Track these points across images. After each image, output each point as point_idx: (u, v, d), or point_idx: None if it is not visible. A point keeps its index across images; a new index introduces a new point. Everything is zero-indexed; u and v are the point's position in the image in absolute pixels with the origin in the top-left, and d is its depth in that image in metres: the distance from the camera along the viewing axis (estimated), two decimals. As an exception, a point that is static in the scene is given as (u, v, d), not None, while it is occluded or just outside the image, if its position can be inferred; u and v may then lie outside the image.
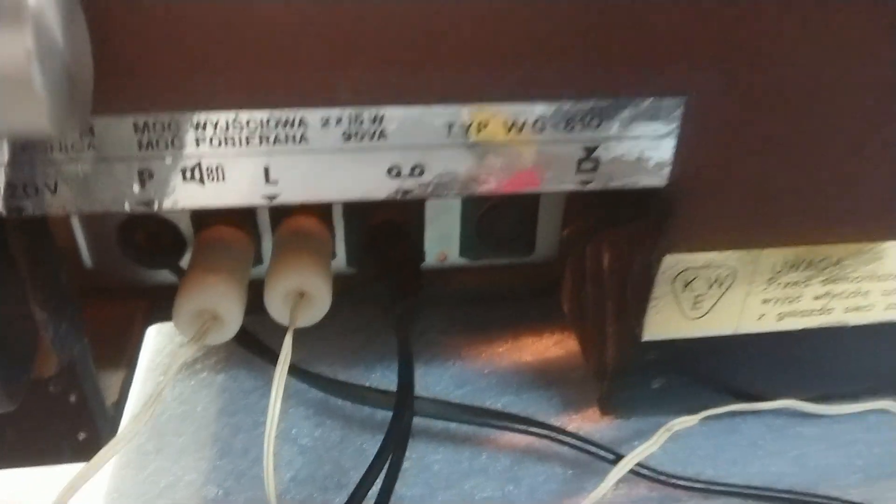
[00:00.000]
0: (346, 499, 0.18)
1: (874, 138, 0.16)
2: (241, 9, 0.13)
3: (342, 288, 0.23)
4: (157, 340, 0.26)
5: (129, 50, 0.13)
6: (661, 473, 0.21)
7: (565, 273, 0.25)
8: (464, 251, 0.26)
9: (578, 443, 0.21)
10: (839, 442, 0.24)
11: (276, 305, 0.21)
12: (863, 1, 0.14)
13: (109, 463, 0.17)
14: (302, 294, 0.21)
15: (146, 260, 0.24)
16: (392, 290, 0.24)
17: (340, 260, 0.25)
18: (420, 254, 0.25)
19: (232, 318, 0.21)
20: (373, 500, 0.19)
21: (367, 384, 0.24)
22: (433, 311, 0.28)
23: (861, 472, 0.23)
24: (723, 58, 0.15)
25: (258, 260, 0.24)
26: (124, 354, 0.23)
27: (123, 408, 0.22)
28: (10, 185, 0.14)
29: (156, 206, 0.15)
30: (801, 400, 0.23)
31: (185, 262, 0.23)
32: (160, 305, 0.24)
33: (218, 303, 0.20)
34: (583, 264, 0.23)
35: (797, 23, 0.14)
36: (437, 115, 0.15)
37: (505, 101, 0.15)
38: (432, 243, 0.26)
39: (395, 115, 0.15)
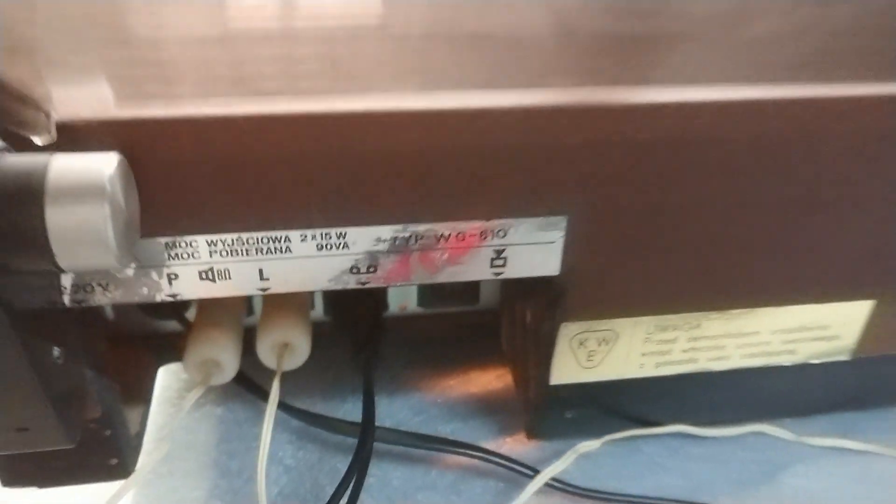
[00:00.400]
0: (321, 510, 0.24)
1: (725, 237, 0.23)
2: (243, 167, 0.19)
3: (319, 332, 0.29)
4: (166, 378, 0.32)
5: (164, 195, 0.19)
6: (570, 486, 0.27)
7: (503, 320, 0.32)
8: (421, 302, 0.32)
9: (507, 462, 0.27)
10: (720, 459, 0.30)
11: (266, 354, 0.27)
12: (697, 147, 0.21)
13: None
14: (286, 345, 0.27)
15: (157, 313, 0.29)
16: (359, 337, 0.30)
17: (318, 310, 0.31)
18: (383, 306, 0.32)
19: (231, 364, 0.26)
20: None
21: (340, 415, 0.30)
22: (397, 350, 0.34)
23: (735, 483, 0.29)
24: (592, 187, 0.21)
25: (250, 311, 0.30)
26: (142, 392, 0.29)
27: (143, 436, 0.27)
28: (75, 286, 0.20)
29: (180, 298, 0.21)
30: (691, 425, 0.30)
31: (189, 313, 0.29)
32: (169, 349, 0.30)
33: (219, 354, 0.26)
34: (514, 316, 0.29)
35: (653, 160, 0.20)
36: (385, 231, 0.21)
37: (435, 221, 0.21)
38: (395, 297, 0.32)
39: (354, 232, 0.21)
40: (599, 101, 0.20)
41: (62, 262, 0.16)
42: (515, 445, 0.30)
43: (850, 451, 0.30)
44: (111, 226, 0.16)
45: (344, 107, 0.18)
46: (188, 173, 0.18)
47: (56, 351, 0.20)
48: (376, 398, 0.28)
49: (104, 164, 0.16)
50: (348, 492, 0.24)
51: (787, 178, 0.22)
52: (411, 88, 0.21)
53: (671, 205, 0.21)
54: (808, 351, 0.26)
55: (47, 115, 0.17)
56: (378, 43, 0.24)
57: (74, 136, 0.17)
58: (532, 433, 0.29)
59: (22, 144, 0.17)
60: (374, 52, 0.23)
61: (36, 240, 0.16)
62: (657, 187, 0.21)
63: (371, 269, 0.21)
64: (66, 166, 0.16)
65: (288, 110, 0.18)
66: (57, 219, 0.16)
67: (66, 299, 0.20)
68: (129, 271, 0.20)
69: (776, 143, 0.21)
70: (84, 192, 0.16)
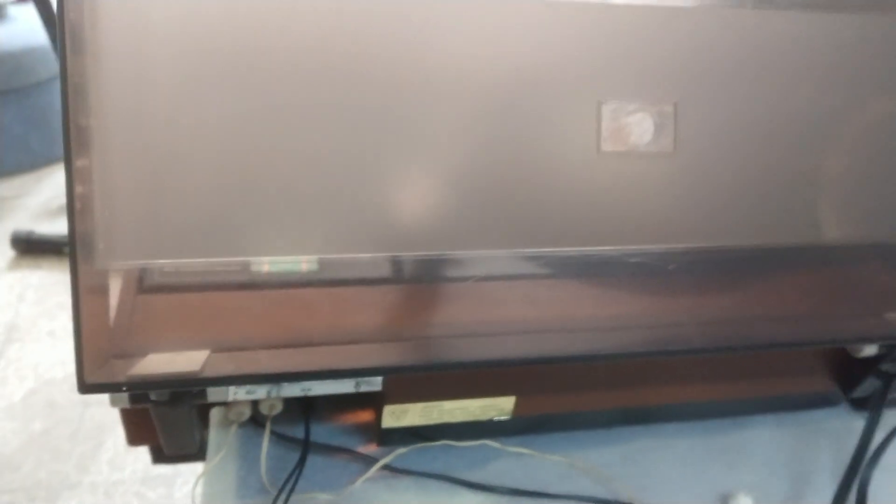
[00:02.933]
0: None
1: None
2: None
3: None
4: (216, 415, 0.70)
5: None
6: (392, 468, 0.67)
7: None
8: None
9: (365, 455, 0.67)
10: (455, 453, 0.70)
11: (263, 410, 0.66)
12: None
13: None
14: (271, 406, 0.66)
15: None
16: (304, 404, 0.69)
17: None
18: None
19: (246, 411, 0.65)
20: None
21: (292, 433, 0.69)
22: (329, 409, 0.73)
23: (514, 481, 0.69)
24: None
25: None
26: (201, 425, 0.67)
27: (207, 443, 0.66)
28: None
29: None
30: (495, 440, 0.70)
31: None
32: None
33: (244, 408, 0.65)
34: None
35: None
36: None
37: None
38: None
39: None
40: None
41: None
42: (371, 448, 0.69)
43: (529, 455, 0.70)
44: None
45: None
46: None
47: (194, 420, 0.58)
48: (315, 427, 0.67)
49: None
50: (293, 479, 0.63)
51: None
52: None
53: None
54: (490, 414, 0.66)
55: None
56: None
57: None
58: (379, 443, 0.68)
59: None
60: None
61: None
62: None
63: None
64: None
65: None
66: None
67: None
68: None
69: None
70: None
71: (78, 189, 0.44)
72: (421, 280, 0.52)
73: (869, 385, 0.69)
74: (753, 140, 0.45)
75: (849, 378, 0.69)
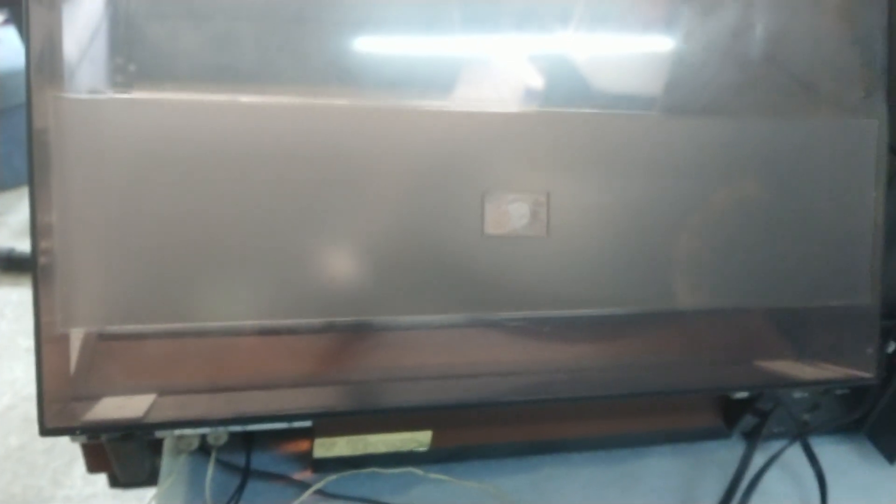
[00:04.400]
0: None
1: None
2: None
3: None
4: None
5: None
6: (324, 492, 0.76)
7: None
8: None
9: (301, 481, 0.76)
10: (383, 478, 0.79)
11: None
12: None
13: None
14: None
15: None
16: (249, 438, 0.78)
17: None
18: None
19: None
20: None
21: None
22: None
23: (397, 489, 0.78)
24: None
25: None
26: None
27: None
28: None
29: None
30: (418, 468, 0.79)
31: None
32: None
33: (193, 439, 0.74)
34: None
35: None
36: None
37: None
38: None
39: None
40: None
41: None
42: (306, 475, 0.78)
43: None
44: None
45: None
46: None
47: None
48: (257, 456, 0.76)
49: None
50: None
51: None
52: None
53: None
54: (410, 446, 0.75)
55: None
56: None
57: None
58: (313, 471, 0.78)
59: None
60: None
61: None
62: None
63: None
64: None
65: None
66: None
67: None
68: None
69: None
70: None
71: (41, 261, 0.53)
72: (344, 332, 0.61)
73: (749, 421, 0.79)
74: (614, 223, 0.55)
75: (731, 415, 0.79)
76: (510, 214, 0.51)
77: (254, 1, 0.53)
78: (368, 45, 0.52)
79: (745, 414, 0.76)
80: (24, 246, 2.28)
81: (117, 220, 0.52)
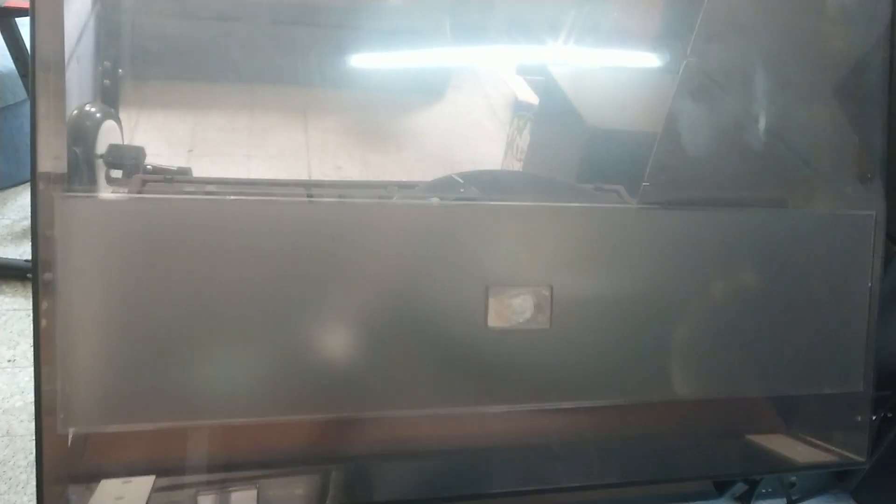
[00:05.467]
0: None
1: None
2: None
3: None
4: None
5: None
6: None
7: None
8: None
9: None
10: None
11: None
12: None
13: None
14: None
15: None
16: None
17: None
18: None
19: None
20: None
21: None
22: None
23: None
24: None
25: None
26: None
27: None
28: None
29: None
30: None
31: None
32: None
33: None
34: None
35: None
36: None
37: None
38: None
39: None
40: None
41: None
42: None
43: None
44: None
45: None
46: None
47: None
48: None
49: None
50: None
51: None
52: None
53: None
54: None
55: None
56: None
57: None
58: None
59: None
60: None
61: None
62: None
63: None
64: None
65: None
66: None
67: None
68: None
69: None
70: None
71: (43, 360, 0.53)
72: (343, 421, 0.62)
73: (739, 487, 0.81)
74: (618, 314, 0.55)
75: (724, 482, 0.81)
76: (514, 307, 0.51)
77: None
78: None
79: (736, 482, 0.77)
80: (7, 252, 2.25)
81: (117, 321, 0.51)
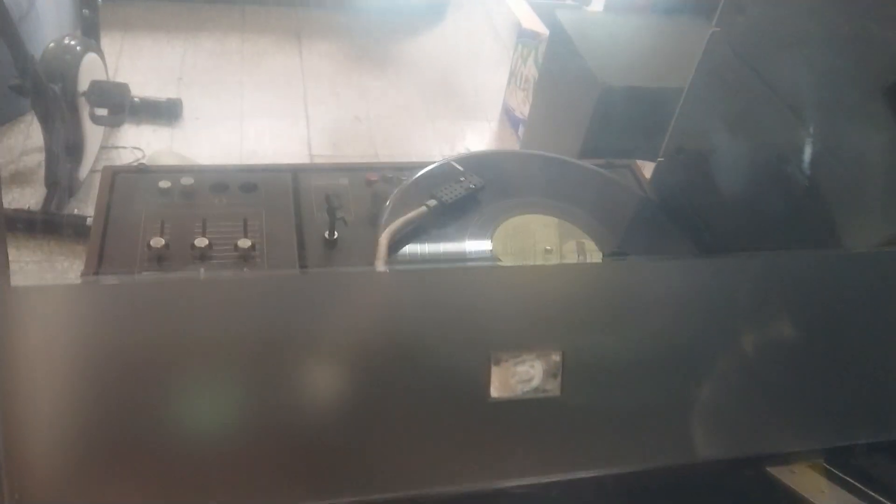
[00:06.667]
0: None
1: None
2: None
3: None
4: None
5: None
6: None
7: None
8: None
9: None
10: None
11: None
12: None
13: None
14: None
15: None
16: None
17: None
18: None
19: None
20: None
21: None
22: None
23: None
24: None
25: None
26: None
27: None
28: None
29: None
30: None
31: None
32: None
33: None
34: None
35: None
36: None
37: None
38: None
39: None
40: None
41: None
42: None
43: None
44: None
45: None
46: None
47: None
48: None
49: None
50: None
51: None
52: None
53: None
54: None
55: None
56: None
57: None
58: None
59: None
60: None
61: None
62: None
63: None
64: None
65: None
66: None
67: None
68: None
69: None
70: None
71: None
72: None
73: None
74: (639, 374, 0.52)
75: None
76: (520, 375, 0.48)
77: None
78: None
79: None
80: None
81: (68, 407, 0.47)
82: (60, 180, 1.13)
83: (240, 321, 0.44)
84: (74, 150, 1.13)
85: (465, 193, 0.51)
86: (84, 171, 1.20)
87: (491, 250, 0.51)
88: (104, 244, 0.46)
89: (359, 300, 0.48)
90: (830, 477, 0.60)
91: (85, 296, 0.46)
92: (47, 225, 1.15)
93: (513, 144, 1.51)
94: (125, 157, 1.38)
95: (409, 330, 0.48)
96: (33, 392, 0.48)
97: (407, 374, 0.47)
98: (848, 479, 0.62)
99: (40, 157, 1.37)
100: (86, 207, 1.26)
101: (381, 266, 0.49)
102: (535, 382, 0.46)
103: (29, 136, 1.42)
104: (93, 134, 1.19)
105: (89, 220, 1.30)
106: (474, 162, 0.54)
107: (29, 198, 1.32)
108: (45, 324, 0.47)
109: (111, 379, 0.44)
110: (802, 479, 0.63)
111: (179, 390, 0.44)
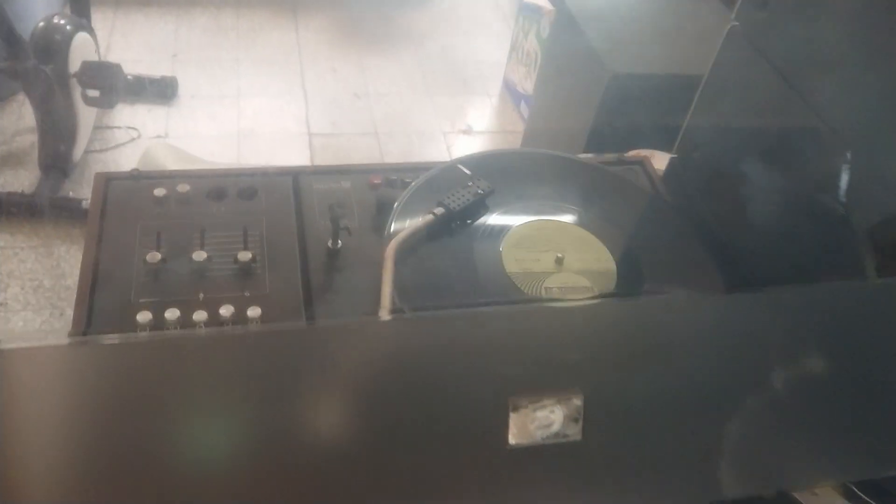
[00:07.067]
0: None
1: None
2: None
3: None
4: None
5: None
6: None
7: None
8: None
9: None
10: None
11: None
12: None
13: None
14: None
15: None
16: None
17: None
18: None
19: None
20: None
21: None
22: None
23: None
24: None
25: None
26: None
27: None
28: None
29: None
30: None
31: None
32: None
33: None
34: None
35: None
36: None
37: None
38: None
39: None
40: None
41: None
42: None
43: None
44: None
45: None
46: None
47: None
48: None
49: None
50: None
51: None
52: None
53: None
54: None
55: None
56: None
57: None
58: None
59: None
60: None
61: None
62: None
63: None
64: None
65: None
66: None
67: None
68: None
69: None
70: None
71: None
72: None
73: None
74: (654, 421, 0.49)
75: None
76: (539, 420, 0.45)
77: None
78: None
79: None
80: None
81: (59, 469, 0.45)
82: (55, 163, 1.11)
83: (243, 380, 0.42)
84: (68, 131, 1.11)
85: (473, 199, 0.49)
86: (78, 152, 1.18)
87: (501, 261, 0.49)
88: (99, 260, 0.44)
89: (370, 349, 0.46)
90: (850, 496, 0.59)
91: (73, 358, 0.44)
92: (43, 208, 1.14)
93: (514, 119, 1.48)
94: (120, 138, 1.35)
95: (423, 378, 0.46)
96: (21, 459, 0.45)
97: (422, 423, 0.45)
98: (868, 499, 0.60)
99: (33, 139, 1.34)
100: (81, 189, 1.23)
101: (387, 280, 0.47)
102: (556, 427, 0.43)
103: (21, 117, 1.39)
104: (86, 115, 1.16)
105: (85, 203, 1.28)
106: (481, 163, 0.52)
107: (23, 180, 1.30)
108: (31, 389, 0.44)
109: (101, 447, 0.42)
110: (823, 501, 0.62)
111: (175, 459, 0.42)
